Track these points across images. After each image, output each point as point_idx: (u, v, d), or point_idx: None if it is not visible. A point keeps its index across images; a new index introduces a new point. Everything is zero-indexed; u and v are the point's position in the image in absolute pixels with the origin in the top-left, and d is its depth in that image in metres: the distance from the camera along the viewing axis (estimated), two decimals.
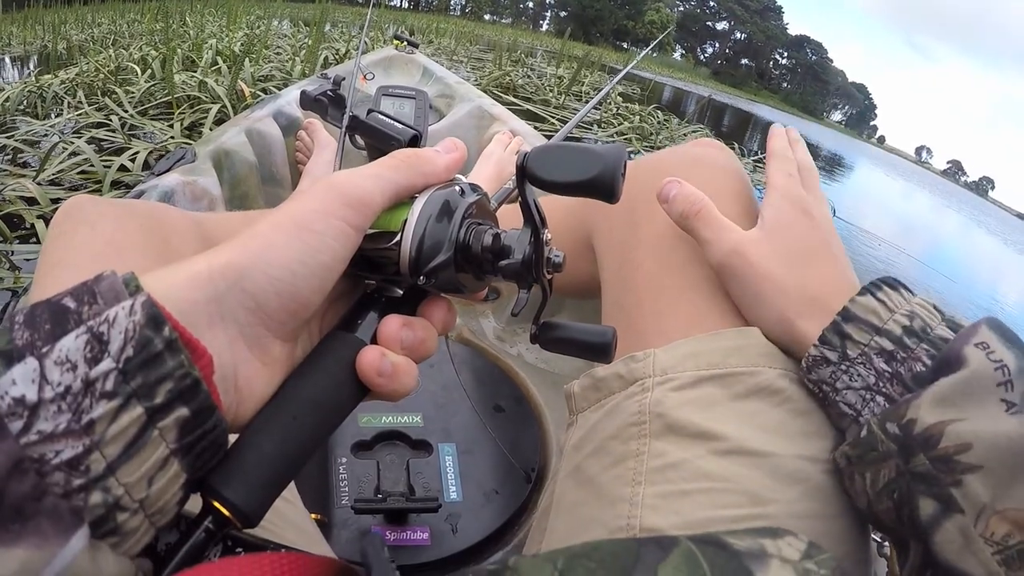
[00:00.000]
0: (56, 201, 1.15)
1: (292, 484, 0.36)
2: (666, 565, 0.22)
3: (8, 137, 1.47)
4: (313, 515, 0.56)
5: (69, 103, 1.81)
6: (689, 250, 0.40)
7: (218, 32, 3.31)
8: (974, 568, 0.26)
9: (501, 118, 1.27)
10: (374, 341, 0.25)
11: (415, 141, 0.91)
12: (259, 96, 1.91)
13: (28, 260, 0.99)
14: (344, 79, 0.98)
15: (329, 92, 0.96)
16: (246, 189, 0.98)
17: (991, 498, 0.26)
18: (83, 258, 0.35)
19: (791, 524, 0.30)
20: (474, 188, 0.28)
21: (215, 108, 1.75)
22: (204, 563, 0.20)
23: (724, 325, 0.37)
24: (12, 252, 0.99)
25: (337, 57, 3.00)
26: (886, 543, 0.66)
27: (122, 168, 1.34)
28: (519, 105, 3.02)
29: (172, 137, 1.59)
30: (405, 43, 1.81)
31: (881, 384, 0.31)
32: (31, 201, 1.13)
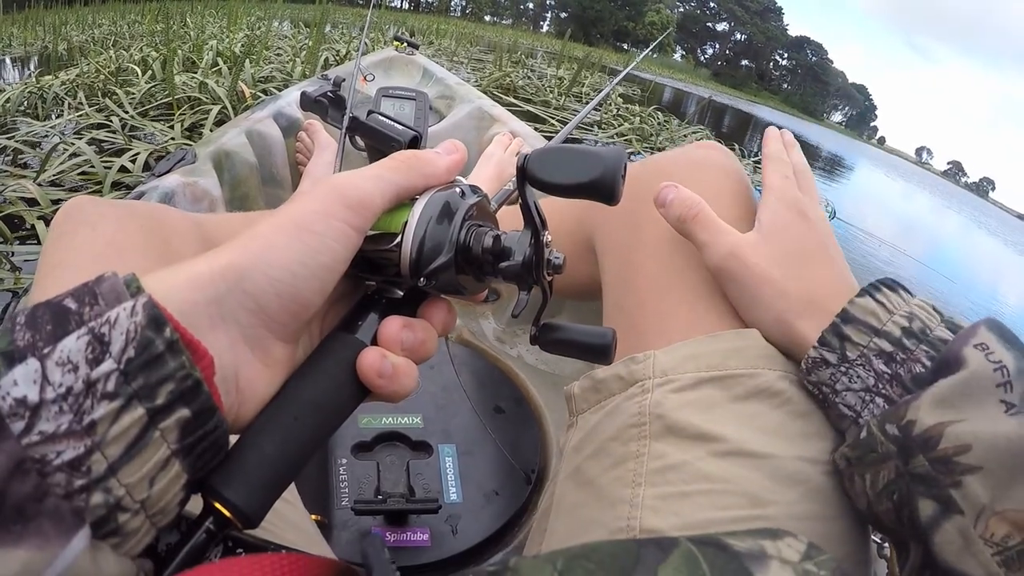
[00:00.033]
0: (56, 202, 1.15)
1: (292, 485, 0.36)
2: (666, 566, 0.22)
3: (9, 138, 1.47)
4: (313, 516, 0.56)
5: (70, 104, 1.81)
6: (690, 252, 0.40)
7: (219, 33, 3.32)
8: (974, 569, 0.26)
9: (501, 119, 1.27)
10: (375, 342, 0.25)
11: (415, 142, 0.90)
12: (259, 97, 1.92)
13: (28, 261, 0.99)
14: (344, 80, 0.98)
15: (329, 93, 0.96)
16: (246, 190, 0.98)
17: (990, 499, 0.26)
18: (84, 259, 0.35)
19: (791, 525, 0.29)
20: (474, 190, 0.28)
21: (215, 109, 1.75)
22: (205, 564, 0.20)
23: (724, 327, 0.37)
24: (12, 253, 0.99)
25: (337, 58, 3.00)
26: (886, 544, 0.66)
27: (122, 169, 1.34)
28: (519, 106, 3.02)
29: (172, 138, 1.59)
30: (405, 44, 1.81)
31: (880, 385, 0.31)
32: (31, 202, 1.14)
